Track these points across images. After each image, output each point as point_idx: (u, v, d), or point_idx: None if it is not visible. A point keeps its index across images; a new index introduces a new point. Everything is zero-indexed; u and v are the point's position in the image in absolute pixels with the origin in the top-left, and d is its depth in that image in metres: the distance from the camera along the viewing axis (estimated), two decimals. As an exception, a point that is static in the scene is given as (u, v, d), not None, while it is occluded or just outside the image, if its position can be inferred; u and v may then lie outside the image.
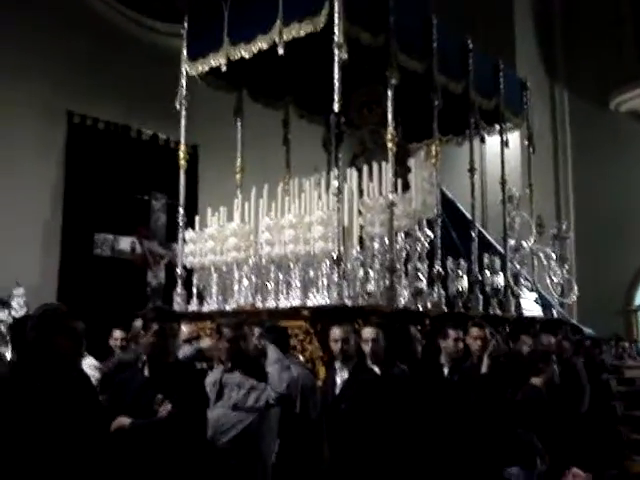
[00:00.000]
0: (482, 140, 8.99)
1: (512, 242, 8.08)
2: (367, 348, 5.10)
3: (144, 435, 3.52)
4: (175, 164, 7.31)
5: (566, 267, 8.52)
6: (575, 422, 6.14)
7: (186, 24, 7.34)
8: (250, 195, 6.65)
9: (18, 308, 8.16)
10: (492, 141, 8.92)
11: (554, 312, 8.48)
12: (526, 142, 9.09)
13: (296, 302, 5.77)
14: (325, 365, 5.38)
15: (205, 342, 5.59)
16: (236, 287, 6.42)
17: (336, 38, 5.82)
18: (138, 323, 6.86)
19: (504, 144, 8.48)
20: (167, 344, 3.75)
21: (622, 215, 13.43)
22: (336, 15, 5.84)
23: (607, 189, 13.67)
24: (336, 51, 5.82)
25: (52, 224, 9.99)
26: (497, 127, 8.59)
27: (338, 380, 5.03)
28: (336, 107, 5.81)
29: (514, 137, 9.47)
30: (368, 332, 5.14)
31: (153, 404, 3.58)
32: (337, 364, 5.09)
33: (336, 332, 5.06)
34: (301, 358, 5.43)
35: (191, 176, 8.50)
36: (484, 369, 5.80)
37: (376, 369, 5.15)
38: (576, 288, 9.05)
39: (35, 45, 9.90)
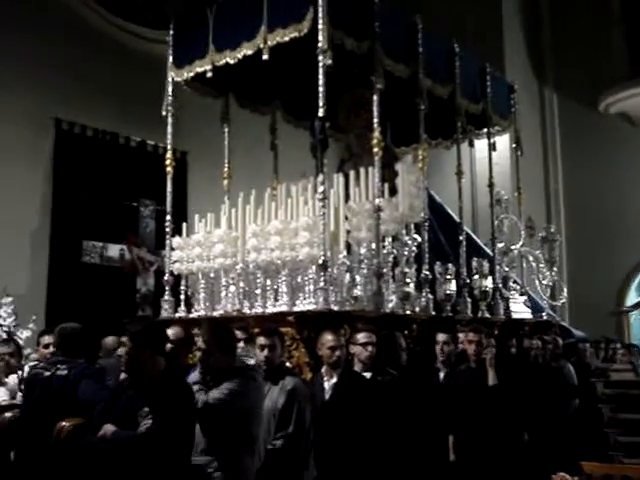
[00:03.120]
0: (471, 144, 8.99)
1: (501, 245, 8.07)
2: (364, 353, 5.10)
3: (122, 447, 3.50)
4: (164, 171, 7.28)
5: (555, 269, 8.53)
6: (562, 425, 6.14)
7: (172, 31, 7.32)
8: (238, 201, 6.64)
9: (6, 316, 8.12)
10: (482, 145, 8.91)
11: (544, 315, 8.47)
12: (514, 145, 9.10)
13: (283, 308, 5.74)
14: (312, 371, 5.35)
15: None
16: (223, 293, 6.39)
17: (320, 44, 5.80)
18: (109, 340, 6.87)
19: (491, 147, 8.48)
20: (141, 359, 3.68)
21: (613, 216, 13.43)
22: (320, 20, 5.81)
23: (598, 191, 13.67)
24: (320, 57, 5.80)
25: (40, 232, 9.93)
26: (485, 130, 8.61)
27: (326, 385, 5.02)
28: (321, 112, 5.80)
29: (504, 140, 9.47)
30: (366, 337, 5.14)
31: (138, 416, 3.54)
32: (324, 369, 5.08)
33: (328, 338, 5.02)
34: (288, 364, 5.40)
35: (180, 182, 8.51)
36: (491, 381, 5.74)
37: (366, 374, 5.14)
38: (565, 290, 9.06)
39: (22, 53, 9.86)
